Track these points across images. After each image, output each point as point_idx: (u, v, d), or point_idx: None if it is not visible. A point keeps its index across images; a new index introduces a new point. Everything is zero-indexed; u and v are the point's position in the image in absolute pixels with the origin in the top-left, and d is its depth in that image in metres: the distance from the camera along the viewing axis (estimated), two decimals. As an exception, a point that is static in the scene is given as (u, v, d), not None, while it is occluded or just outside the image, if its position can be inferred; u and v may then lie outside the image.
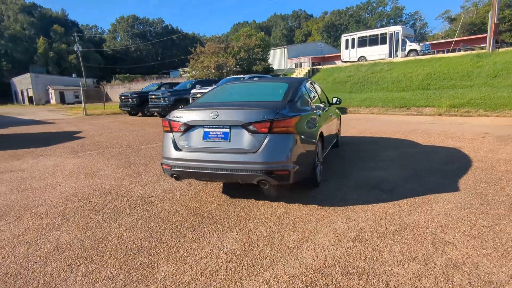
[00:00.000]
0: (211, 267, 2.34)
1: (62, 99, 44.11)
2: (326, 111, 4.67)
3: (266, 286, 2.12)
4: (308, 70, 23.14)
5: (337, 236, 2.73)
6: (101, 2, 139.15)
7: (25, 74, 47.91)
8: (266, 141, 3.11)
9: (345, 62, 24.64)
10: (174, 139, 3.45)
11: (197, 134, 3.35)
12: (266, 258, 2.44)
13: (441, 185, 4.04)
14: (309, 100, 4.18)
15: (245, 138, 3.17)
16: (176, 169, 3.35)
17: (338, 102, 5.62)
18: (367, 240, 2.64)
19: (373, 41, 23.49)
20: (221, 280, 2.18)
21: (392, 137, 7.66)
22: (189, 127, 3.38)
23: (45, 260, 2.50)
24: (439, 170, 4.73)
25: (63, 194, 4.04)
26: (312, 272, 2.24)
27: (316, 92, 4.90)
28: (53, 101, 44.96)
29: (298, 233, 2.80)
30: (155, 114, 15.76)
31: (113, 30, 72.80)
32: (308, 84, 4.52)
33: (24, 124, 14.54)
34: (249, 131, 3.14)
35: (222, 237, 2.79)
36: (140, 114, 17.01)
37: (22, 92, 51.00)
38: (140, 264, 2.41)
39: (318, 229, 2.87)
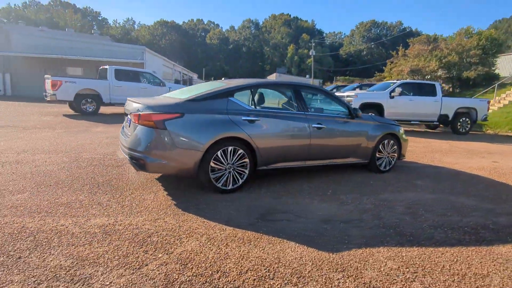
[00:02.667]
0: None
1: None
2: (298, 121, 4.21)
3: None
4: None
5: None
6: (345, 10, 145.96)
7: (273, 74, 58.98)
8: (135, 130, 3.57)
9: None
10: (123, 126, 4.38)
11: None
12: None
13: None
14: (248, 104, 4.00)
15: (131, 125, 3.76)
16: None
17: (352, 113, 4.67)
18: None
19: None
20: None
21: None
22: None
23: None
24: None
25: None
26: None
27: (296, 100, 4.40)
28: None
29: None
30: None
31: (351, 35, 75.94)
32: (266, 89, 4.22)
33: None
34: (132, 120, 3.69)
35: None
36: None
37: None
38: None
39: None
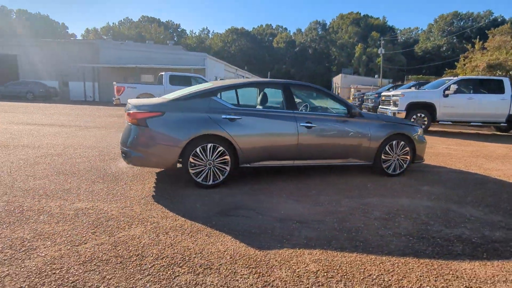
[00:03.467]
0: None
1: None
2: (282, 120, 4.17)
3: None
4: None
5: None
6: (421, 4, 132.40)
7: (338, 75, 57.03)
8: (125, 127, 3.95)
9: None
10: None
11: None
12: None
13: None
14: (232, 103, 4.11)
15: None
16: None
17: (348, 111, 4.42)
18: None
19: None
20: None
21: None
22: None
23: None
24: None
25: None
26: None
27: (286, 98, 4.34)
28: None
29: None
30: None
31: (428, 30, 69.17)
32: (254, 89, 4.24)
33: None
34: (125, 118, 4.08)
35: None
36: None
37: (337, 88, 61.41)
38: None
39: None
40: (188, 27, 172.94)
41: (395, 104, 10.66)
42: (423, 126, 10.26)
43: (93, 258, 2.31)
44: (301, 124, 4.27)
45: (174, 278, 2.10)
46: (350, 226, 3.01)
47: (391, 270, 2.29)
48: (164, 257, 2.36)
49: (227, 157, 3.99)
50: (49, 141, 6.67)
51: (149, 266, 2.23)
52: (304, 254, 2.47)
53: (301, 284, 2.08)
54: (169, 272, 2.17)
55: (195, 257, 2.38)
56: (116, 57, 24.51)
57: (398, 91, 11.10)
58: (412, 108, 10.33)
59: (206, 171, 3.95)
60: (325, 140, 4.45)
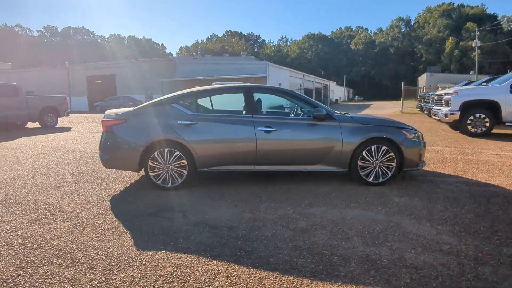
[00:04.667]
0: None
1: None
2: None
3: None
4: None
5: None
6: None
7: (423, 74, 51.29)
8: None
9: None
10: None
11: None
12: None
13: None
14: (191, 110, 4.25)
15: None
16: None
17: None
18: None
19: None
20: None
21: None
22: None
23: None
24: None
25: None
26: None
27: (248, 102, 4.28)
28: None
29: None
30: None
31: (545, 14, 56.95)
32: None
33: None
34: None
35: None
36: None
37: (421, 89, 55.28)
38: (59, 178, 5.12)
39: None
40: (268, 37, 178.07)
41: (448, 104, 9.21)
42: (483, 129, 8.66)
43: (4, 244, 2.71)
44: (259, 129, 4.14)
45: (39, 267, 2.34)
46: (255, 235, 2.83)
47: (237, 283, 2.11)
48: (52, 248, 2.62)
49: (184, 161, 4.13)
50: (95, 146, 7.78)
51: (32, 255, 2.52)
52: (172, 258, 2.45)
53: (95, 274, 2.10)
54: (34, 255, 2.44)
55: (76, 248, 2.59)
56: (190, 71, 26.89)
57: (451, 89, 9.53)
58: (469, 107, 8.78)
59: (165, 174, 4.16)
60: (288, 145, 4.21)
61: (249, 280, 2.15)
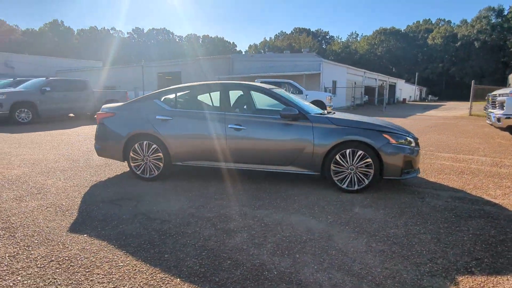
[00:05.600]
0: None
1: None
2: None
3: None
4: None
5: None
6: None
7: (515, 71, 43.87)
8: None
9: None
10: None
11: None
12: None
13: None
14: (172, 105, 4.41)
15: None
16: None
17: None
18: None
19: None
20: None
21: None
22: None
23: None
24: None
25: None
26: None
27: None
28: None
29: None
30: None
31: None
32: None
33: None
34: None
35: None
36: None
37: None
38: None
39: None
40: (337, 33, 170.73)
41: (502, 107, 7.80)
42: None
43: (-21, 214, 3.20)
44: (229, 126, 4.09)
45: (-17, 236, 2.72)
46: (177, 231, 2.84)
47: (114, 273, 2.17)
48: (6, 222, 3.01)
49: (161, 154, 4.31)
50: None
51: (-12, 225, 2.93)
52: (86, 242, 2.61)
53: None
54: (-12, 232, 2.82)
55: (22, 226, 2.93)
56: (246, 68, 27.45)
57: (506, 89, 8.01)
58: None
59: (144, 166, 4.40)
60: (257, 144, 4.07)
61: (126, 273, 2.19)
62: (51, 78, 13.28)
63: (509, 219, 3.09)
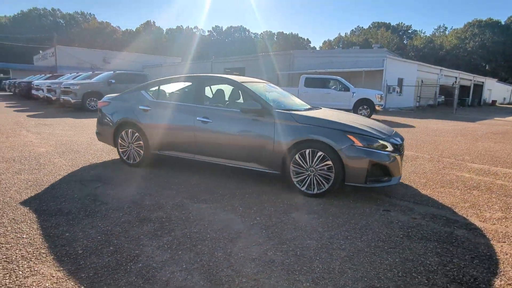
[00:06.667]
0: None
1: None
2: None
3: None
4: None
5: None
6: None
7: None
8: None
9: None
10: None
11: None
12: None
13: None
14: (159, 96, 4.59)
15: None
16: None
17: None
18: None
19: None
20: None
21: None
22: None
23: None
24: None
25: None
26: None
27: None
28: None
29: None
30: None
31: None
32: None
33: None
34: None
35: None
36: None
37: None
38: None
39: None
40: (421, 27, 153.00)
41: None
42: None
43: (-22, 181, 3.82)
44: (197, 119, 4.07)
45: (-40, 198, 3.23)
46: (113, 216, 2.95)
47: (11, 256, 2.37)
48: (-12, 189, 3.52)
49: (141, 142, 4.52)
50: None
51: (-27, 190, 3.47)
52: (24, 220, 2.90)
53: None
54: (-32, 195, 3.34)
55: (-6, 194, 3.39)
56: (307, 64, 26.76)
57: None
58: None
59: (128, 152, 4.67)
60: (222, 138, 3.96)
61: (18, 240, 2.37)
62: (117, 71, 14.93)
63: (469, 248, 2.43)
